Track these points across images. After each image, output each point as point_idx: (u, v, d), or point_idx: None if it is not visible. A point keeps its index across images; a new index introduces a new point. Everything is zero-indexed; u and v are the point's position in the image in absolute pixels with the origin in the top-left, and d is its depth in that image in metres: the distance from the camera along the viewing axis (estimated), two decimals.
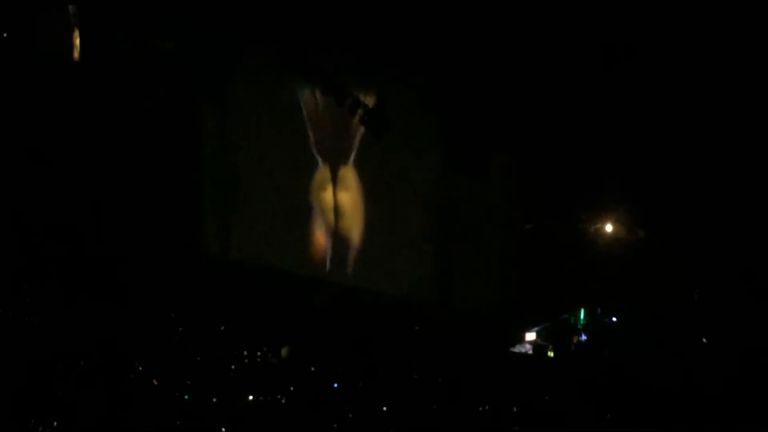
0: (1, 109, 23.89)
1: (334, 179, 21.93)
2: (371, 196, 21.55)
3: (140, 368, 16.75)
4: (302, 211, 22.44)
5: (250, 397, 16.40)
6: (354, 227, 21.83)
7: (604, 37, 18.29)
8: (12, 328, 18.37)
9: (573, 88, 18.56)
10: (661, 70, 18.27)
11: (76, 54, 25.15)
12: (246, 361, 17.89)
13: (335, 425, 15.73)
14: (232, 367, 17.53)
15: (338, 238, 22.07)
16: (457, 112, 19.68)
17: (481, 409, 16.30)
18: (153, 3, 22.84)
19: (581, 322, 19.73)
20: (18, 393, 15.71)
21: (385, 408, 16.29)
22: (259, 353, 18.18)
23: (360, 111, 20.60)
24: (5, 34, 25.14)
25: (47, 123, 23.76)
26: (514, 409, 16.24)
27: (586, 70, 18.51)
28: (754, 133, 18.14)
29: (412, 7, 19.30)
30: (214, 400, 16.16)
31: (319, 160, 22.03)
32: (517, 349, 19.55)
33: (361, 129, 20.98)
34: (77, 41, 24.95)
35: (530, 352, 19.52)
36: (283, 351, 18.37)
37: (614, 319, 19.62)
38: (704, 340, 18.49)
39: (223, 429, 15.50)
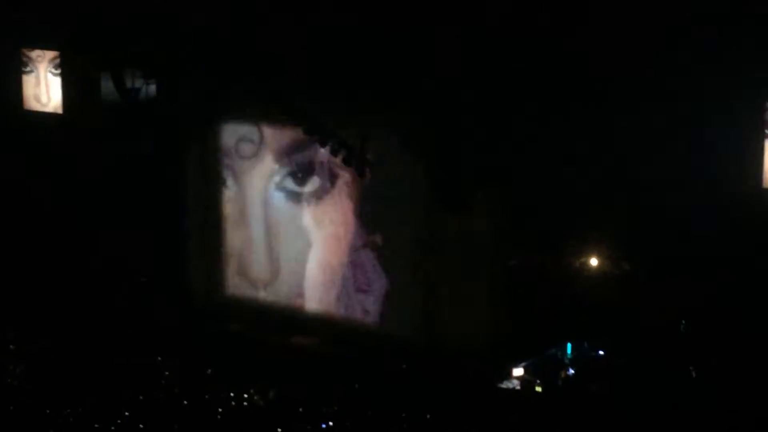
0: None
1: (320, 216, 21.94)
2: (357, 233, 21.53)
3: (126, 413, 16.67)
4: (288, 249, 22.42)
5: None
6: (341, 264, 21.79)
7: (585, 70, 18.43)
8: None
9: (556, 124, 18.63)
10: (643, 105, 18.40)
11: (55, 102, 25.22)
12: (233, 403, 17.82)
13: None
14: (219, 410, 17.45)
15: (325, 275, 22.02)
16: (441, 149, 19.72)
17: None
18: (133, 44, 22.94)
19: (568, 357, 19.72)
20: None
21: None
22: (246, 395, 18.11)
23: (343, 151, 20.58)
24: None
25: (30, 171, 23.82)
26: None
27: (571, 106, 18.59)
28: (737, 167, 18.25)
29: (394, 47, 19.39)
30: None
31: (305, 196, 22.04)
32: (505, 384, 19.52)
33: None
34: (56, 89, 25.02)
35: (518, 387, 19.50)
36: (271, 393, 18.33)
37: (601, 352, 19.61)
38: (693, 372, 18.51)
39: None
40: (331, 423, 17.18)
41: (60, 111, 24.86)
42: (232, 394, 18.00)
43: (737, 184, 18.20)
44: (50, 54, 24.80)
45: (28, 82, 25.23)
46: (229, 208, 22.95)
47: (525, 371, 19.55)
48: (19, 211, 23.69)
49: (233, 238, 22.96)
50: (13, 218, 23.68)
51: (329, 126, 20.26)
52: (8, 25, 24.44)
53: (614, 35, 17.99)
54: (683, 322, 19.08)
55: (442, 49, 19.08)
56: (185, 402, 17.57)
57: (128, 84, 23.37)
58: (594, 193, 18.91)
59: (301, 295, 22.34)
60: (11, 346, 19.34)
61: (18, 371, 18.49)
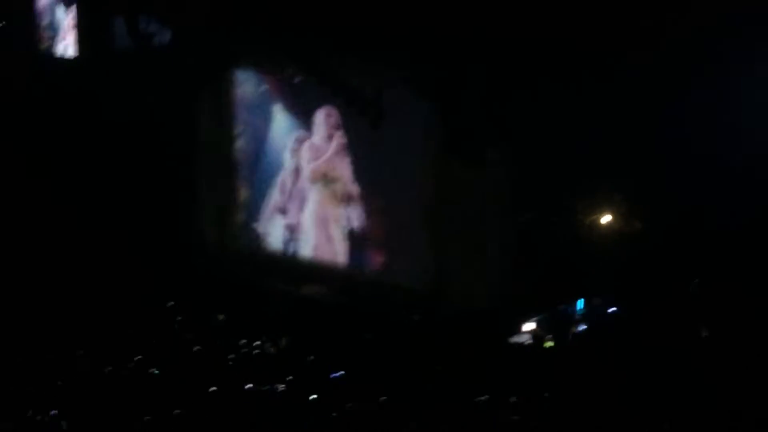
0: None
1: (328, 167, 21.91)
2: (368, 185, 21.49)
3: (139, 357, 16.69)
4: (299, 200, 22.39)
5: (248, 387, 16.36)
6: (351, 217, 21.78)
7: (602, 29, 18.33)
8: (10, 317, 18.31)
9: (571, 78, 18.55)
10: (657, 62, 18.32)
11: (73, 49, 25.20)
12: (244, 350, 17.85)
13: (333, 415, 15.69)
14: (231, 356, 17.48)
15: (336, 226, 22.02)
16: (454, 101, 19.64)
17: (479, 399, 16.25)
18: None
19: (579, 313, 19.73)
20: (16, 383, 15.67)
21: (383, 398, 16.24)
22: (257, 343, 18.14)
23: (357, 101, 20.55)
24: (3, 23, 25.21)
25: (46, 117, 23.79)
26: (513, 399, 16.20)
27: (585, 61, 18.51)
28: (750, 122, 18.20)
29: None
30: (212, 389, 16.11)
31: (316, 148, 22.00)
32: (516, 339, 19.54)
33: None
34: (74, 36, 25.00)
35: (529, 342, 19.52)
36: (282, 341, 18.36)
37: (612, 309, 19.62)
38: (703, 332, 18.51)
39: (222, 418, 15.47)
40: (340, 372, 17.19)
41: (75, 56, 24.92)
42: (243, 341, 18.03)
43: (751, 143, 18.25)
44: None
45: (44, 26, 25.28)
46: (241, 156, 22.90)
47: (536, 326, 19.57)
48: (35, 154, 23.67)
49: (245, 187, 22.94)
50: (29, 160, 23.66)
51: (343, 76, 20.24)
52: None
53: None
54: (696, 280, 19.06)
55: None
56: (196, 348, 17.60)
57: (142, 29, 23.36)
58: (610, 147, 18.85)
59: (310, 245, 22.36)
60: (26, 289, 19.36)
61: (32, 313, 18.53)
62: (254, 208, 23.08)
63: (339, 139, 21.75)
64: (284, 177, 22.61)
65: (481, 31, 18.76)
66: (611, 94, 18.63)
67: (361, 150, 21.42)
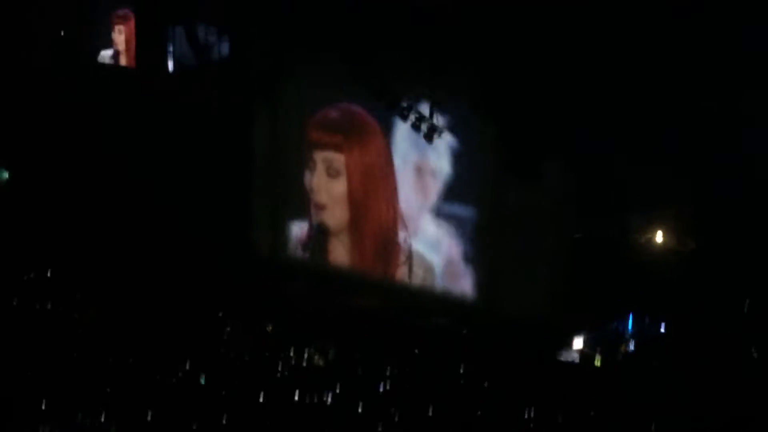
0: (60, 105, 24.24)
1: (385, 182, 21.96)
2: (424, 197, 21.50)
3: (188, 366, 16.82)
4: (350, 211, 22.48)
5: (296, 398, 16.42)
6: (405, 228, 21.80)
7: (663, 42, 18.26)
8: (61, 323, 18.50)
9: (631, 97, 18.47)
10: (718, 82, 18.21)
11: (129, 58, 25.43)
12: (293, 362, 17.92)
13: (381, 427, 15.72)
14: (279, 367, 17.56)
15: (389, 238, 22.06)
16: (512, 115, 19.63)
17: (526, 415, 16.23)
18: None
19: (630, 331, 19.63)
20: (64, 387, 15.85)
21: (431, 411, 16.26)
22: (305, 354, 18.21)
23: (412, 115, 20.58)
24: (62, 32, 25.49)
25: (104, 128, 24.04)
26: (560, 417, 16.16)
27: (644, 79, 18.44)
28: None
29: (470, 7, 19.29)
30: (260, 399, 16.20)
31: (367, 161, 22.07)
32: (564, 356, 19.48)
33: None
34: (130, 45, 25.23)
35: (577, 359, 19.45)
36: (330, 352, 18.40)
37: (663, 328, 19.50)
38: (755, 353, 18.36)
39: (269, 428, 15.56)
40: (389, 386, 17.22)
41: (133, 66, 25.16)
42: (292, 353, 18.10)
43: None
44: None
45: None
46: (297, 169, 22.96)
47: (585, 343, 19.49)
48: (92, 165, 23.90)
49: (300, 198, 23.01)
50: (87, 169, 23.90)
51: (398, 89, 20.29)
52: None
53: None
54: (748, 301, 18.90)
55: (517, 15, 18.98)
56: (246, 358, 17.70)
57: (201, 40, 23.54)
58: (666, 167, 18.75)
59: (363, 257, 22.41)
60: (77, 295, 19.52)
61: (84, 319, 18.71)
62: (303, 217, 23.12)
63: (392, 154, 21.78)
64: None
65: (541, 45, 18.76)
66: (671, 113, 18.53)
67: (422, 164, 21.39)
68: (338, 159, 22.29)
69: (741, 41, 17.82)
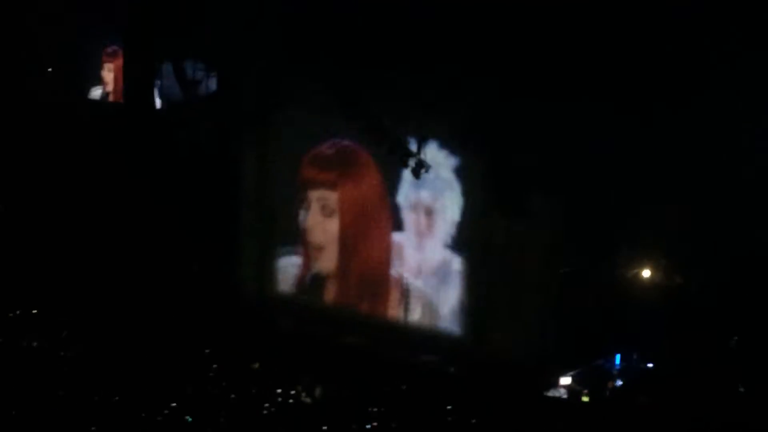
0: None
1: (370, 220, 21.96)
2: (412, 234, 21.50)
3: (174, 404, 16.76)
4: (340, 249, 22.45)
5: None
6: (393, 265, 21.79)
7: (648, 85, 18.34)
8: (45, 360, 18.45)
9: (617, 134, 18.53)
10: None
11: (117, 94, 25.49)
12: (279, 399, 17.88)
13: None
14: (266, 405, 17.51)
15: (376, 275, 22.04)
16: (500, 153, 19.67)
17: None
18: (198, 35, 23.09)
19: (617, 368, 19.62)
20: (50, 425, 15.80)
21: None
22: (293, 392, 18.16)
23: (400, 151, 20.59)
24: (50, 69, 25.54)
25: (92, 163, 24.04)
26: None
27: (632, 117, 18.50)
28: None
29: (458, 47, 19.35)
30: None
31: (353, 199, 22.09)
32: (552, 392, 19.46)
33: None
34: (119, 81, 25.29)
35: (565, 396, 19.43)
36: (317, 390, 18.36)
37: (650, 365, 19.50)
38: (741, 388, 18.36)
39: None
40: (376, 423, 17.17)
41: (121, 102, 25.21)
42: (279, 390, 18.05)
43: None
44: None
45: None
46: (286, 206, 22.93)
47: (572, 380, 19.48)
48: (80, 200, 23.90)
49: (288, 235, 22.99)
50: (75, 207, 23.90)
51: (386, 124, 20.32)
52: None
53: None
54: (735, 337, 18.92)
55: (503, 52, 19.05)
56: (232, 396, 17.65)
57: (189, 75, 23.56)
58: (649, 203, 18.80)
59: (349, 295, 22.38)
60: (64, 332, 19.50)
61: (68, 357, 18.66)
62: (293, 255, 23.10)
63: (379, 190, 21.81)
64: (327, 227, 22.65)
65: (527, 82, 18.82)
66: (656, 145, 18.58)
67: (407, 201, 21.40)
68: (333, 197, 22.31)
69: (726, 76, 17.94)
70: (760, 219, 18.13)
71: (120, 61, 25.46)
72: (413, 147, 20.47)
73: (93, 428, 15.92)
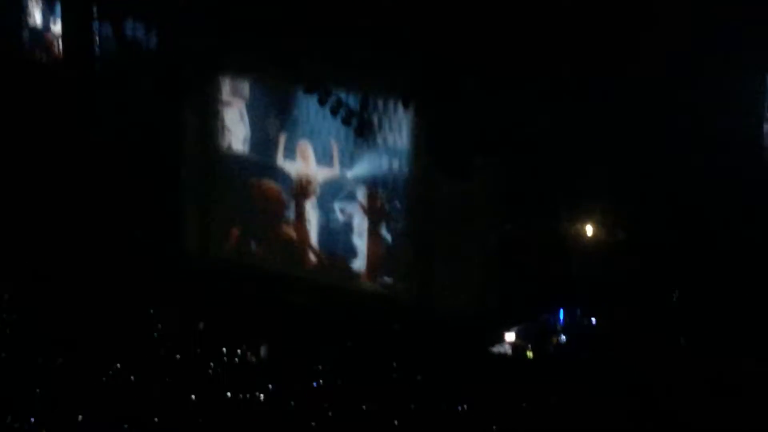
0: None
1: (313, 174, 21.92)
2: (351, 193, 21.49)
3: (118, 365, 16.71)
4: (283, 208, 22.39)
5: (229, 396, 16.37)
6: (334, 223, 21.78)
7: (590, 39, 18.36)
8: None
9: (556, 89, 18.57)
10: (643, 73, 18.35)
11: (58, 50, 25.17)
12: (225, 359, 17.86)
13: (314, 424, 15.72)
14: (211, 365, 17.50)
15: (318, 234, 22.02)
16: (440, 111, 19.67)
17: (459, 409, 16.31)
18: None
19: (560, 323, 19.76)
20: None
21: (364, 407, 16.28)
22: (238, 351, 18.16)
23: (342, 110, 20.53)
24: None
25: (31, 123, 23.77)
26: (493, 410, 16.24)
27: (571, 72, 18.54)
28: (736, 132, 18.24)
29: (398, 6, 19.28)
30: (193, 397, 16.13)
31: (299, 156, 21.97)
32: (497, 348, 19.57)
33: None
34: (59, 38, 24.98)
35: (509, 352, 19.55)
36: (262, 349, 18.37)
37: (593, 320, 19.66)
38: (683, 341, 18.56)
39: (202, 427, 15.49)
40: (322, 381, 17.22)
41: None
42: (224, 350, 18.04)
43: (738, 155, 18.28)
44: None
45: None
46: (225, 161, 22.84)
47: (517, 336, 19.60)
48: (20, 159, 23.62)
49: (229, 193, 22.91)
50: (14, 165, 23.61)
51: (329, 84, 20.23)
52: None
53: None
54: (676, 291, 19.09)
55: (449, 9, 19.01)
56: (177, 356, 17.61)
57: (128, 33, 23.35)
58: (594, 158, 18.89)
59: (294, 253, 22.36)
60: (5, 295, 19.33)
61: (11, 319, 18.53)
62: (237, 216, 23.01)
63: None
64: (268, 186, 22.54)
65: (470, 41, 18.78)
66: (597, 105, 18.63)
67: (348, 159, 21.35)
68: None
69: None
70: (702, 173, 18.24)
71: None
72: (356, 107, 20.46)
73: (37, 390, 15.84)
